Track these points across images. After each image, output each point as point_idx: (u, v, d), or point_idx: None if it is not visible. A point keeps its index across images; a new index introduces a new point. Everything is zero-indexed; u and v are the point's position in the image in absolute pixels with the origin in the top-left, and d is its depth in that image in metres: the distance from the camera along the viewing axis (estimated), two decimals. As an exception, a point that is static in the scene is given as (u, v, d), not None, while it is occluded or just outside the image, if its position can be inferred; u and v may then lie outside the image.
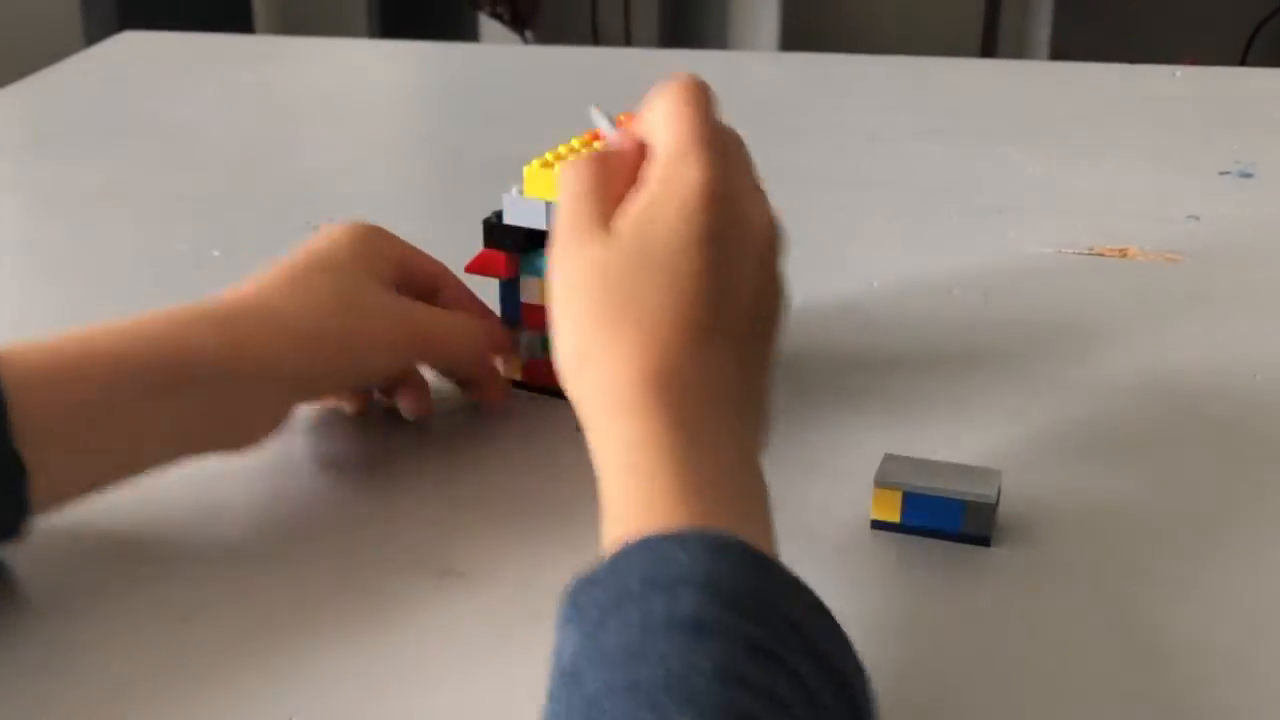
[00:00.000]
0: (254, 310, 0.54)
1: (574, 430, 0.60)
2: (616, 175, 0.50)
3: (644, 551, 0.39)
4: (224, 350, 0.52)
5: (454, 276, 0.62)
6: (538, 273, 0.60)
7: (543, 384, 0.63)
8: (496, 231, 0.60)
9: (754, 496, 0.44)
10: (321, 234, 0.59)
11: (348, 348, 0.56)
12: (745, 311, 0.46)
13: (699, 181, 0.47)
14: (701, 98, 0.52)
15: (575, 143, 0.59)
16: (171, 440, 0.52)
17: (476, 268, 0.62)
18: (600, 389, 0.45)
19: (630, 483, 0.43)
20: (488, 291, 0.63)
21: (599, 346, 0.45)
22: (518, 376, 0.63)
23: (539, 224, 0.59)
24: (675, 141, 0.49)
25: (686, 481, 0.42)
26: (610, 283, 0.46)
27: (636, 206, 0.47)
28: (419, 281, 0.60)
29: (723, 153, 0.50)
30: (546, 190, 0.58)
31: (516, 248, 0.60)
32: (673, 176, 0.47)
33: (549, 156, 0.59)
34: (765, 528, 0.43)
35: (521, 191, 0.59)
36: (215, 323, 0.53)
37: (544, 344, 0.61)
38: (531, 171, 0.58)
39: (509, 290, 0.62)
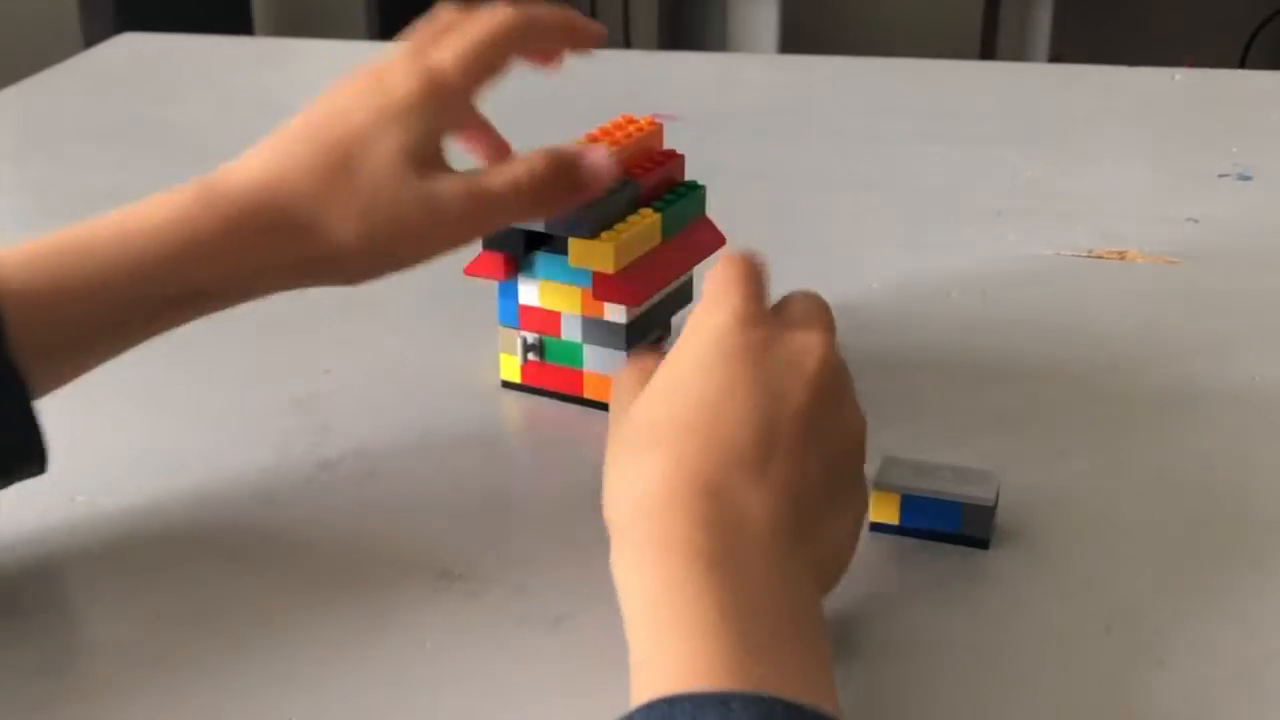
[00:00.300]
0: (287, 206, 0.52)
1: (574, 431, 0.61)
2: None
3: (678, 713, 0.35)
4: (260, 267, 0.52)
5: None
6: (535, 275, 0.60)
7: (540, 386, 0.63)
8: (494, 234, 0.61)
9: (807, 646, 0.39)
10: (360, 84, 0.55)
11: (377, 259, 0.54)
12: (796, 437, 0.43)
13: (729, 310, 0.45)
14: (746, 275, 0.47)
15: None
16: (188, 318, 0.53)
17: (475, 270, 0.62)
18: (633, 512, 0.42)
19: (663, 626, 0.38)
20: (487, 295, 0.63)
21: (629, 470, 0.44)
22: (517, 378, 0.63)
23: (538, 225, 0.59)
24: (704, 302, 0.47)
25: (737, 630, 0.37)
26: (641, 415, 0.45)
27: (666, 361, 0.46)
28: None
29: (756, 297, 0.47)
30: None
31: (515, 250, 0.60)
32: (701, 320, 0.46)
33: None
34: (818, 680, 0.38)
35: None
36: (246, 232, 0.52)
37: (542, 346, 0.62)
38: None
39: (508, 292, 0.62)
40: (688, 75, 1.21)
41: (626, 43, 2.59)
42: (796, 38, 2.52)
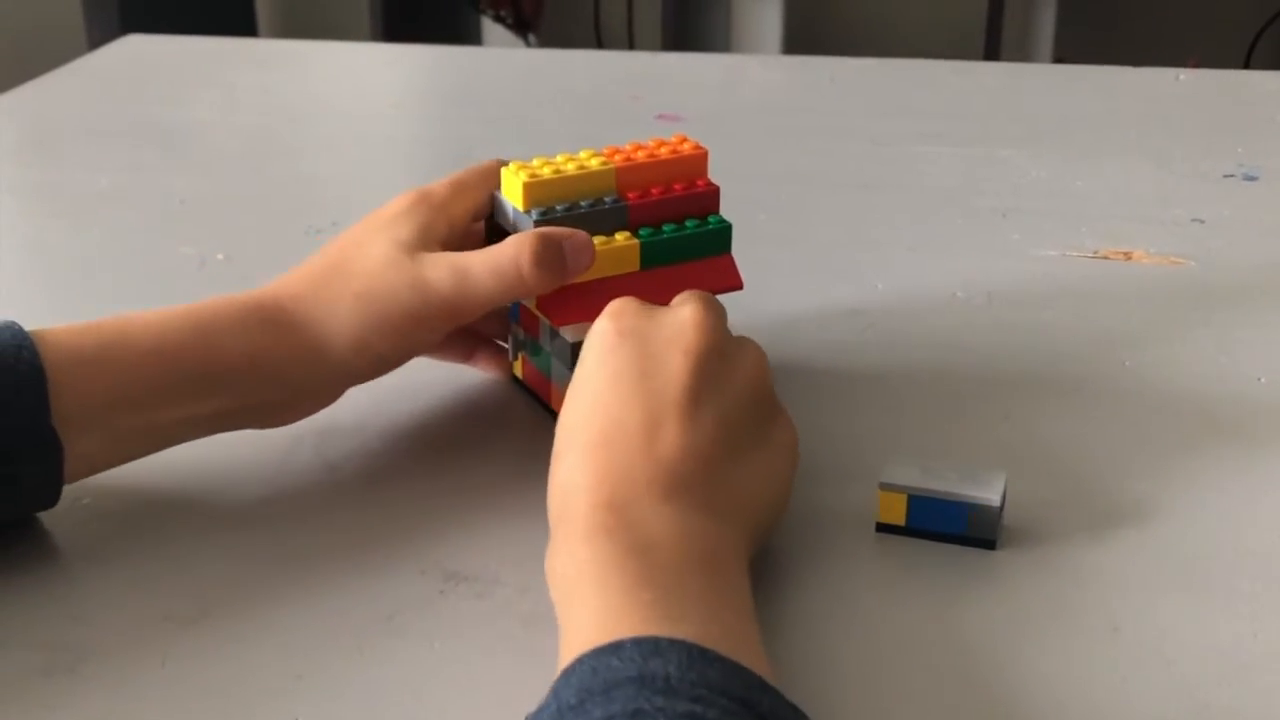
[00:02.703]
0: (288, 304, 0.55)
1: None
2: None
3: (581, 667, 0.38)
4: (258, 351, 0.54)
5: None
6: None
7: (533, 386, 0.62)
8: (489, 227, 0.61)
9: (713, 589, 0.43)
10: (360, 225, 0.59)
11: (385, 327, 0.55)
12: (683, 403, 0.47)
13: (606, 315, 0.51)
14: (628, 298, 0.53)
15: (560, 157, 0.59)
16: (204, 427, 0.54)
17: None
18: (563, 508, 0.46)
19: (579, 607, 0.42)
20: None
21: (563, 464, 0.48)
22: (519, 374, 0.63)
23: (507, 225, 0.59)
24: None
25: (635, 597, 0.41)
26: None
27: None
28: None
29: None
30: (514, 194, 0.58)
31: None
32: (590, 330, 0.52)
33: (535, 162, 0.58)
34: (734, 634, 0.41)
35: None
36: (250, 321, 0.54)
37: (534, 349, 0.61)
38: (508, 174, 0.58)
39: None
40: (691, 76, 1.21)
41: (630, 44, 2.59)
42: (800, 38, 2.52)
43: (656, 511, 0.44)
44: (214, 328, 0.53)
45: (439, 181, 0.59)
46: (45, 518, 0.54)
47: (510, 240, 0.55)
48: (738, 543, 0.46)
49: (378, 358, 0.56)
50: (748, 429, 0.48)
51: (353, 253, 0.56)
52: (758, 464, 0.48)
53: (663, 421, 0.46)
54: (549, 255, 0.55)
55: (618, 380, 0.48)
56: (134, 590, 0.50)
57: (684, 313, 0.50)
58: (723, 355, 0.49)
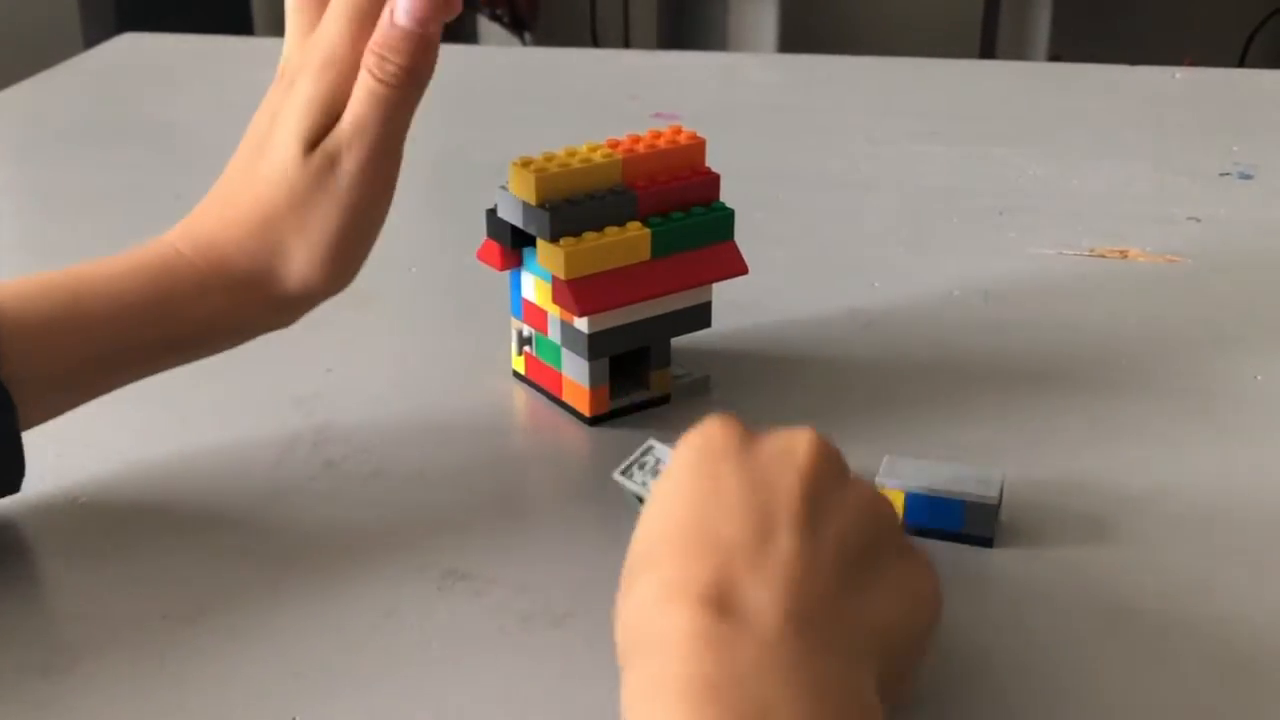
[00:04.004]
0: (241, 260, 0.53)
1: (579, 429, 0.61)
2: None
3: None
4: (219, 315, 0.53)
5: None
6: (533, 270, 0.60)
7: (536, 381, 0.63)
8: (492, 223, 0.61)
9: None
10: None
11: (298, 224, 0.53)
12: (795, 517, 0.40)
13: (706, 427, 0.43)
14: (729, 416, 0.45)
15: (563, 151, 0.59)
16: (171, 362, 0.55)
17: (481, 256, 0.62)
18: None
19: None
20: (492, 290, 0.63)
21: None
22: (520, 370, 0.64)
23: (517, 221, 0.59)
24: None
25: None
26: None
27: None
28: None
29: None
30: (524, 189, 0.58)
31: (509, 241, 0.60)
32: (681, 442, 0.44)
33: (540, 157, 0.59)
34: None
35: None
36: (210, 285, 0.53)
37: (540, 342, 0.62)
38: (514, 169, 0.58)
39: (516, 282, 0.62)
40: (688, 75, 1.21)
41: (626, 42, 2.59)
42: (796, 37, 2.52)
43: (772, 652, 0.36)
44: (173, 295, 0.52)
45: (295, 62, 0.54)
46: (44, 515, 0.54)
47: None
48: (868, 687, 0.38)
49: (338, 275, 0.54)
50: (872, 560, 0.40)
51: (261, 171, 0.54)
52: (885, 600, 0.40)
53: (775, 532, 0.39)
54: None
55: (717, 493, 0.40)
56: (132, 589, 0.50)
57: (792, 436, 0.42)
58: (838, 480, 0.42)
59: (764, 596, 0.37)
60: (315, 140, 0.52)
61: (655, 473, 0.51)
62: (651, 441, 0.52)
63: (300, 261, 0.53)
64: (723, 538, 0.39)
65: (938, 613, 0.43)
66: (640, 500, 0.50)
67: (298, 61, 0.53)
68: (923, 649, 0.42)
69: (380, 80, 0.51)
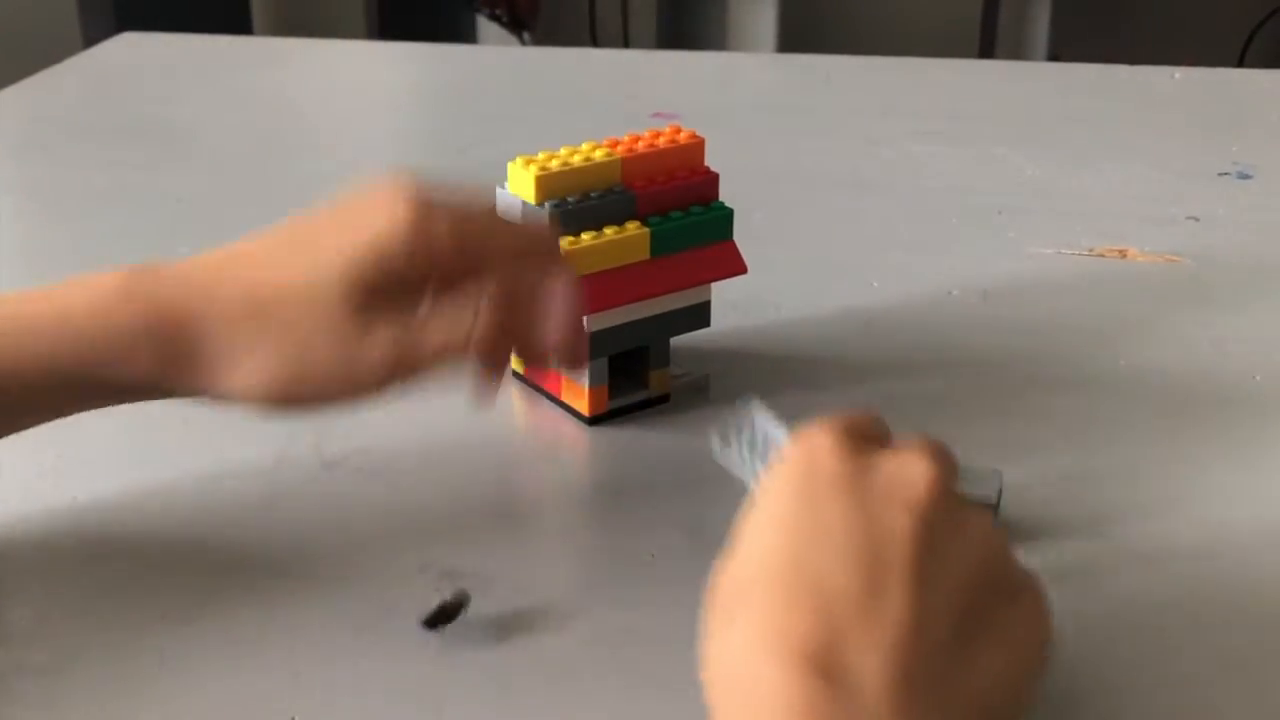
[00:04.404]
0: (193, 328, 0.47)
1: (578, 429, 0.61)
2: None
3: None
4: (156, 376, 0.47)
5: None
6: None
7: (536, 382, 0.63)
8: None
9: None
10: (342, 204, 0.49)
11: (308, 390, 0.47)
12: (910, 571, 0.37)
13: (813, 442, 0.40)
14: (844, 417, 0.42)
15: (564, 150, 0.59)
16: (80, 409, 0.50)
17: None
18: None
19: None
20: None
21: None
22: (521, 370, 0.64)
23: (517, 219, 0.59)
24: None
25: None
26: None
27: None
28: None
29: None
30: (524, 188, 0.58)
31: None
32: (783, 457, 0.41)
33: (541, 156, 0.59)
34: None
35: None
36: (154, 342, 0.47)
37: None
38: (514, 168, 0.58)
39: None
40: (687, 74, 1.21)
41: (625, 42, 2.59)
42: (795, 37, 2.52)
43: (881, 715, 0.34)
44: (110, 352, 0.47)
45: (447, 187, 0.49)
46: (43, 514, 0.54)
47: (470, 311, 0.47)
48: None
49: (291, 407, 0.48)
50: (985, 611, 0.38)
51: (284, 284, 0.47)
52: (996, 655, 0.37)
53: (887, 586, 0.36)
54: (508, 340, 0.48)
55: (823, 530, 0.37)
56: (130, 588, 0.50)
57: (909, 462, 0.39)
58: (954, 520, 0.38)
59: (872, 661, 0.34)
60: (359, 293, 0.46)
61: (763, 455, 0.46)
62: (751, 403, 0.47)
63: (259, 388, 0.47)
64: (827, 585, 0.36)
65: (1043, 657, 0.40)
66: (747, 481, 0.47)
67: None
68: (1028, 700, 0.39)
69: (461, 344, 0.48)
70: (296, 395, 0.47)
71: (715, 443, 0.48)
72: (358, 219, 0.47)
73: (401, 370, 0.47)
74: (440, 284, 0.47)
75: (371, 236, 0.46)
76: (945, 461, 0.39)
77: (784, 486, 0.39)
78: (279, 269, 0.48)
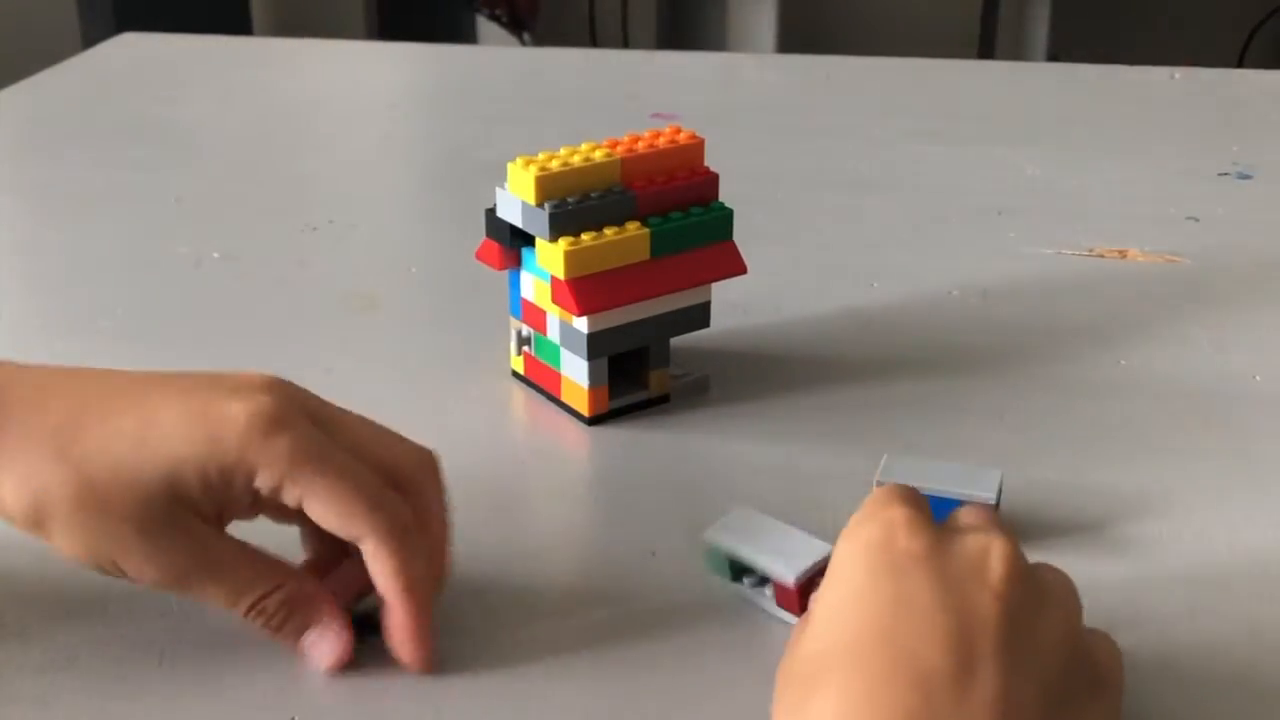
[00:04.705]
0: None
1: (577, 428, 0.61)
2: None
3: None
4: None
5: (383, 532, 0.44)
6: (532, 270, 0.60)
7: (535, 381, 0.63)
8: (491, 222, 0.61)
9: None
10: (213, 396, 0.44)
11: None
12: (998, 651, 0.36)
13: (886, 519, 0.39)
14: (905, 492, 0.42)
15: (564, 150, 0.59)
16: None
17: (480, 256, 0.62)
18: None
19: None
20: (492, 292, 0.63)
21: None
22: (519, 370, 0.64)
23: (517, 220, 0.59)
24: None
25: None
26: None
27: None
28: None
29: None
30: (524, 188, 0.58)
31: (507, 241, 0.60)
32: (854, 533, 0.40)
33: (540, 157, 0.59)
34: None
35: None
36: None
37: (539, 342, 0.62)
38: (514, 169, 0.58)
39: (515, 282, 0.62)
40: (687, 75, 1.21)
41: (625, 42, 2.59)
42: (795, 37, 2.52)
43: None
44: None
45: (327, 412, 0.46)
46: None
47: (276, 578, 0.44)
48: None
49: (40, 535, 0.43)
50: (1066, 695, 0.37)
51: (106, 445, 0.42)
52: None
53: (978, 666, 0.35)
54: (296, 625, 0.45)
55: (906, 605, 0.36)
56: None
57: (984, 543, 0.39)
58: (1036, 601, 0.38)
59: None
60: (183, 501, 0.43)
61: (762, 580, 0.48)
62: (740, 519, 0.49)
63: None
64: (921, 661, 0.35)
65: None
66: (733, 569, 0.48)
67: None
68: None
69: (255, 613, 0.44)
70: (56, 545, 0.43)
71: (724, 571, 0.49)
72: (207, 421, 0.43)
73: (177, 587, 0.44)
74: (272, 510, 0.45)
75: (207, 449, 0.42)
76: (1014, 538, 0.39)
77: (861, 560, 0.38)
78: (110, 429, 0.43)
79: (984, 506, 0.43)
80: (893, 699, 0.34)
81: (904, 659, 0.35)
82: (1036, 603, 0.38)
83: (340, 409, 0.47)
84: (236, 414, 0.43)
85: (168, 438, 0.42)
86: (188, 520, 0.43)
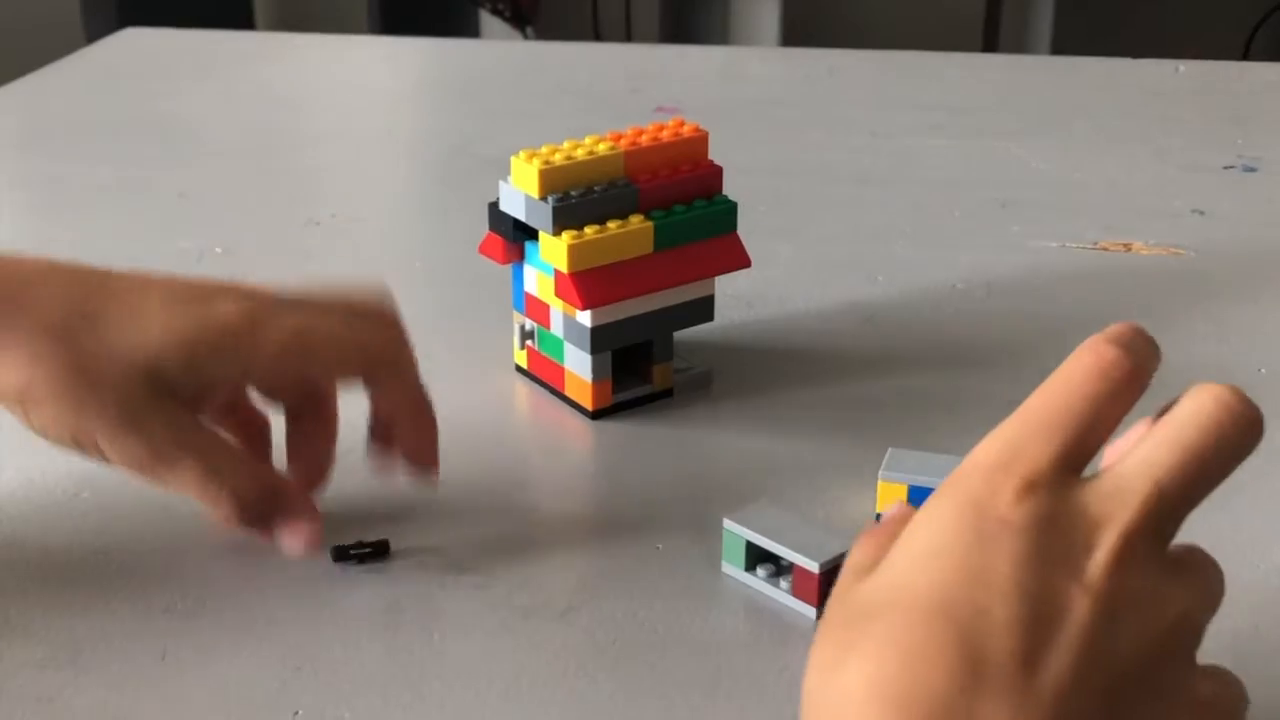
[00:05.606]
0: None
1: (581, 424, 0.61)
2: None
3: None
4: None
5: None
6: (536, 264, 0.60)
7: (538, 375, 0.63)
8: (494, 216, 0.61)
9: None
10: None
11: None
12: (1078, 647, 0.31)
13: (1008, 462, 0.34)
14: (1067, 411, 0.35)
15: (567, 144, 0.59)
16: None
17: (483, 250, 0.62)
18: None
19: None
20: (497, 285, 0.63)
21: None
22: (525, 364, 0.64)
23: (520, 214, 0.59)
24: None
25: None
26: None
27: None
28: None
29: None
30: (527, 182, 0.58)
31: (510, 234, 0.60)
32: (967, 471, 0.35)
33: (544, 150, 0.59)
34: None
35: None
36: None
37: (542, 336, 0.62)
38: (517, 162, 0.58)
39: (520, 277, 0.62)
40: (690, 68, 1.21)
41: (628, 36, 2.59)
42: (798, 31, 2.51)
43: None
44: None
45: (310, 304, 0.50)
46: (46, 510, 0.54)
47: (247, 471, 0.48)
48: None
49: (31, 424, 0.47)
50: (1150, 688, 0.33)
51: (105, 340, 0.46)
52: None
53: (1039, 666, 0.31)
54: (266, 507, 0.49)
55: (982, 579, 0.32)
56: (133, 583, 0.50)
57: (1109, 512, 0.33)
58: (1142, 595, 0.33)
59: None
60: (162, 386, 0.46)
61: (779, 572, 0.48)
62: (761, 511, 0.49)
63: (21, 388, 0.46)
64: (976, 644, 0.31)
65: None
66: (749, 557, 0.49)
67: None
68: None
69: (225, 502, 0.48)
70: (41, 423, 0.46)
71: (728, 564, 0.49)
72: (195, 312, 0.47)
73: (153, 469, 0.47)
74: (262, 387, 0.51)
75: (197, 333, 0.47)
76: (1157, 501, 0.33)
77: (951, 515, 0.33)
78: (100, 315, 0.47)
79: (1165, 447, 0.34)
80: (933, 682, 0.30)
81: (960, 639, 0.31)
82: (1142, 597, 0.32)
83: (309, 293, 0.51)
84: (223, 308, 0.47)
85: (157, 323, 0.46)
86: (168, 403, 0.46)
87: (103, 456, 0.46)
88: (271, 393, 0.52)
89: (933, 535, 0.33)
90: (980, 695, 0.30)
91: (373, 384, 0.50)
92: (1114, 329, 0.35)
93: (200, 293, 0.48)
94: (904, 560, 0.33)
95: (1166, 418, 0.35)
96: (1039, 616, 0.31)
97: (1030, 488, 0.33)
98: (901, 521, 0.36)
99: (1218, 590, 0.35)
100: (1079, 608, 0.31)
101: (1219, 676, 0.35)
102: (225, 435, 0.51)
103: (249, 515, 0.48)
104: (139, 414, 0.46)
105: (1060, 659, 0.31)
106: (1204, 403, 0.35)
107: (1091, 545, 0.32)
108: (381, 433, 0.52)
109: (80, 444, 0.46)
